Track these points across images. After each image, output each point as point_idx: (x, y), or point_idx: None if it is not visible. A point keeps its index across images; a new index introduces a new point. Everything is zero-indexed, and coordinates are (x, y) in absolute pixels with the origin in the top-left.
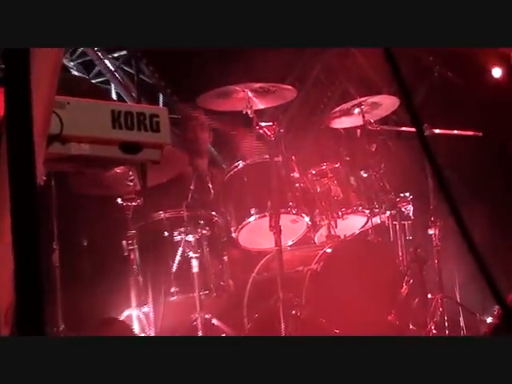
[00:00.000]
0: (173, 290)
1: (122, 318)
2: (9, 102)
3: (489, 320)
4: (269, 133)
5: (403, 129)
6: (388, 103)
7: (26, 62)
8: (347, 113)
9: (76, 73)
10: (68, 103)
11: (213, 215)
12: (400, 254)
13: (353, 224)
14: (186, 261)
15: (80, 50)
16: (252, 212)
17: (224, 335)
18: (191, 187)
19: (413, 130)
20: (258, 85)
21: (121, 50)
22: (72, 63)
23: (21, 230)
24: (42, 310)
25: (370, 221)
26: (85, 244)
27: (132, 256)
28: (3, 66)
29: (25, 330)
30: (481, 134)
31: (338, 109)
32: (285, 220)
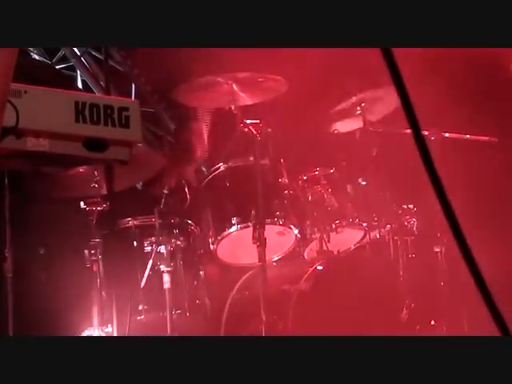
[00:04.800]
0: (141, 307)
1: None
2: None
3: None
4: (255, 132)
5: (408, 131)
6: (391, 98)
7: None
8: (348, 114)
9: (37, 57)
10: (25, 92)
11: (188, 224)
12: (401, 273)
13: (348, 238)
14: (156, 275)
15: None
16: (233, 221)
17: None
18: (165, 191)
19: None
20: (243, 75)
21: None
22: None
23: None
24: None
25: (367, 235)
26: (41, 252)
27: (95, 268)
28: None
29: None
30: (496, 139)
31: (336, 109)
32: (270, 232)
